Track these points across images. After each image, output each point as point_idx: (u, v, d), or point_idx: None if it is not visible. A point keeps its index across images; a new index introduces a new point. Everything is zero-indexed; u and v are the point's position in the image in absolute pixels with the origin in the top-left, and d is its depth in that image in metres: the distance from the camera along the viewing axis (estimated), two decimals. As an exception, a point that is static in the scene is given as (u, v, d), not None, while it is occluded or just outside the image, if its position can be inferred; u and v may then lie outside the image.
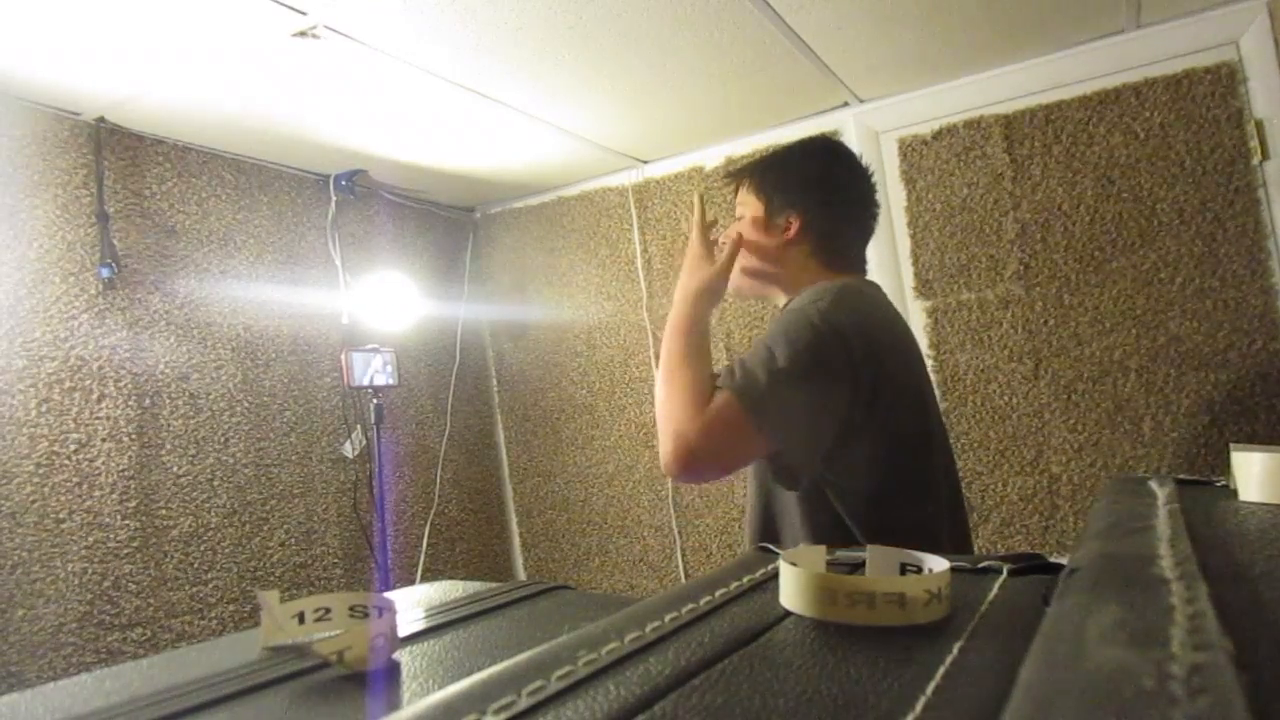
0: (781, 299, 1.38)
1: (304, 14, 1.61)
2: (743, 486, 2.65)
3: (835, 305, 1.18)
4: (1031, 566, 0.47)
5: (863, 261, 1.41)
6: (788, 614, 0.40)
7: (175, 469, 2.11)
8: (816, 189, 1.35)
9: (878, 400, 1.15)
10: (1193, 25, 2.06)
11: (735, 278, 1.36)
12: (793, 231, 1.33)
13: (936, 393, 1.41)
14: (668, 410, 1.16)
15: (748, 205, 1.38)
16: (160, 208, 2.17)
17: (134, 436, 2.03)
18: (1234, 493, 0.51)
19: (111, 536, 1.95)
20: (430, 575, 2.80)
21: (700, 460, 1.11)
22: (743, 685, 0.30)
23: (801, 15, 1.85)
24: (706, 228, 1.35)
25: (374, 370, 2.47)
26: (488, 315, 3.23)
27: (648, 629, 0.35)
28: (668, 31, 1.86)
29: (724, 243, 1.38)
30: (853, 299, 1.23)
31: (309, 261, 2.56)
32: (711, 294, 1.28)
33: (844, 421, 1.14)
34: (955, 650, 0.34)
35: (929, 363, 2.31)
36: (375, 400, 2.53)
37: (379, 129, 2.28)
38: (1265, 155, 2.02)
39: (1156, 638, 0.23)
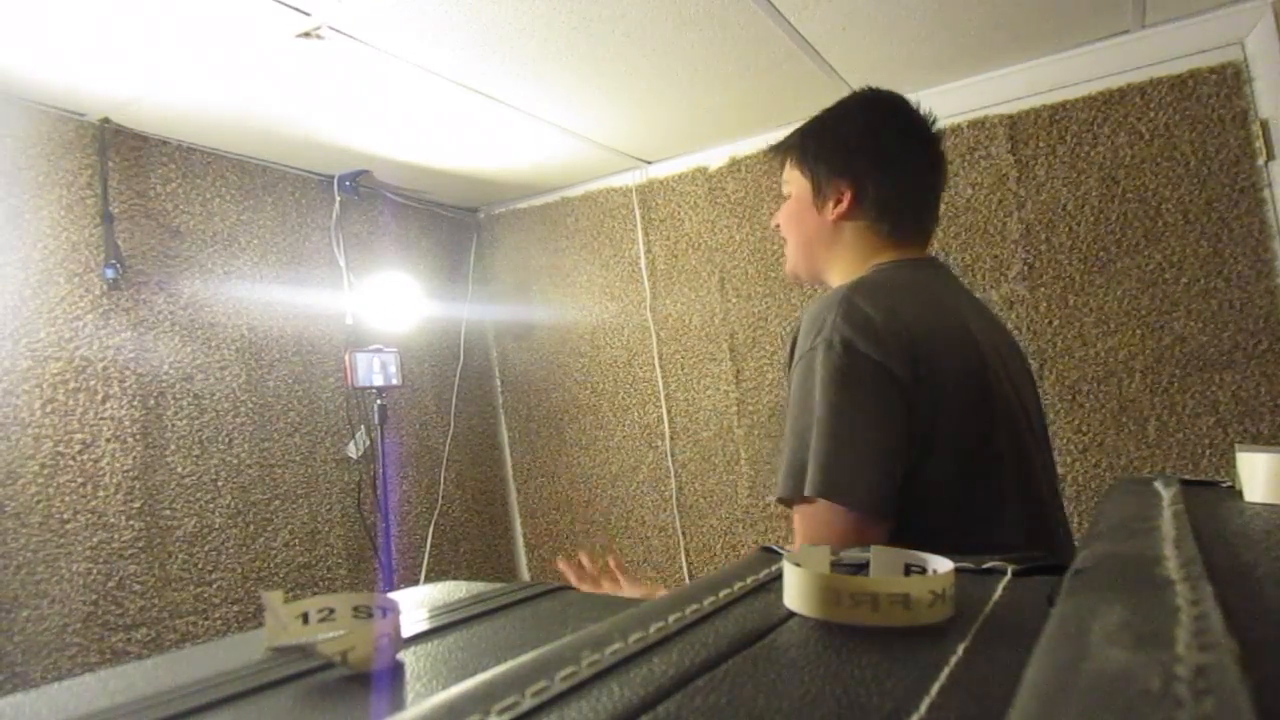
0: (834, 284, 1.22)
1: (308, 15, 1.62)
2: (747, 487, 2.65)
3: (847, 313, 1.01)
4: (1036, 567, 0.47)
5: (927, 232, 1.23)
6: (792, 615, 0.40)
7: (180, 469, 2.11)
8: (868, 151, 1.18)
9: (934, 398, 1.01)
10: (1198, 25, 2.06)
11: (792, 260, 1.25)
12: (845, 204, 1.17)
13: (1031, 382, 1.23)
14: None
15: (793, 183, 1.24)
16: (165, 208, 2.18)
17: (138, 437, 2.03)
18: (1239, 493, 0.51)
19: (116, 537, 1.96)
20: (434, 576, 2.81)
21: None
22: (746, 686, 0.30)
23: (805, 16, 1.85)
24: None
25: (378, 371, 2.47)
26: (491, 316, 3.23)
27: (651, 629, 0.35)
28: (672, 32, 1.86)
29: (775, 225, 1.28)
30: (872, 289, 1.06)
31: (313, 262, 2.56)
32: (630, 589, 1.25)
33: (910, 436, 1.00)
34: (960, 651, 0.34)
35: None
36: (379, 401, 2.53)
37: (383, 129, 2.29)
38: (1270, 155, 2.01)
39: (1161, 639, 0.23)
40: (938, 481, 1.02)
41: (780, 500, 1.04)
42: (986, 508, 1.06)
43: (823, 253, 1.22)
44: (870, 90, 1.24)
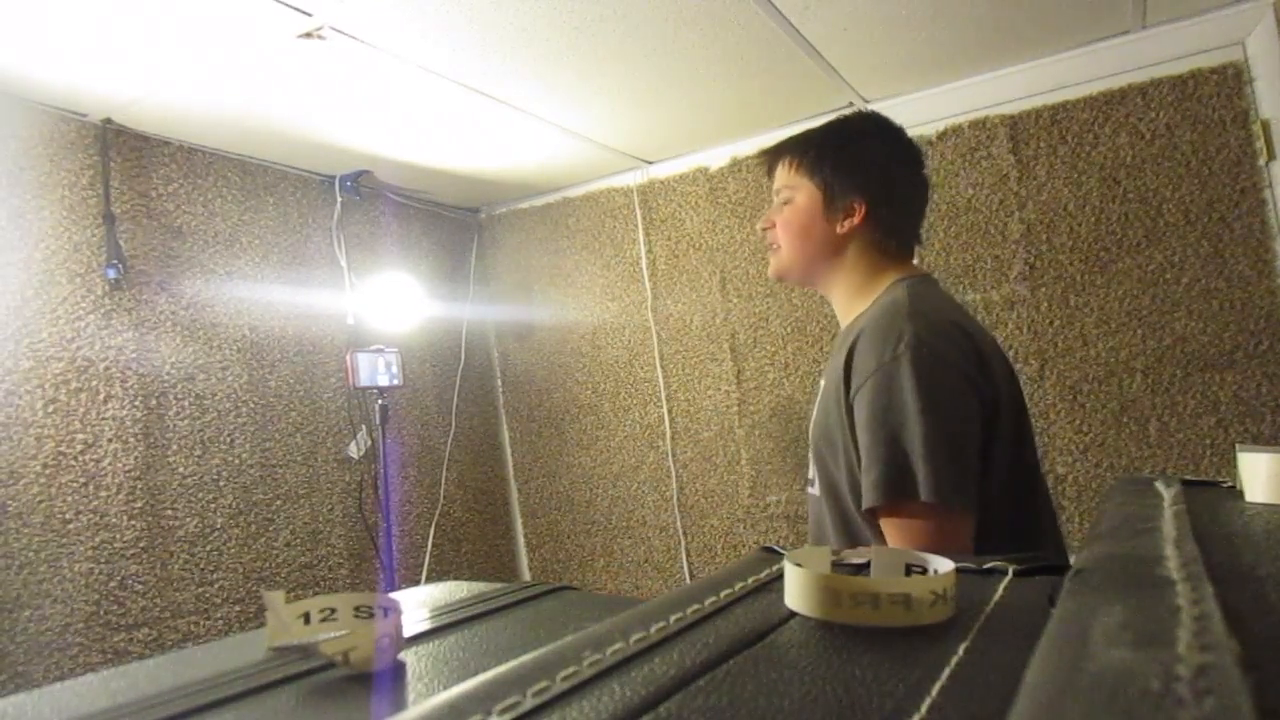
0: (835, 295, 1.29)
1: (309, 15, 1.62)
2: (748, 487, 2.65)
3: (929, 325, 1.08)
4: (1037, 567, 0.47)
5: (913, 250, 1.32)
6: (793, 615, 0.40)
7: (181, 469, 2.11)
8: (886, 171, 1.25)
9: (997, 405, 1.09)
10: (1198, 26, 2.06)
11: (786, 263, 1.29)
12: (857, 219, 1.23)
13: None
14: None
15: (799, 189, 1.27)
16: (166, 209, 2.18)
17: (140, 437, 2.03)
18: (1240, 494, 0.51)
19: (118, 537, 1.96)
20: (435, 576, 2.81)
21: None
22: (747, 686, 0.30)
23: (807, 16, 1.85)
24: None
25: (379, 371, 2.47)
26: (492, 316, 3.23)
27: (652, 630, 0.35)
28: (673, 32, 1.86)
29: (764, 228, 1.31)
30: (927, 302, 1.15)
31: (314, 262, 2.56)
32: None
33: (986, 439, 1.07)
34: (960, 651, 0.34)
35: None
36: (380, 401, 2.53)
37: (384, 130, 2.29)
38: (1271, 155, 2.01)
39: (1162, 639, 0.23)
40: (996, 486, 1.08)
41: (873, 510, 1.06)
42: (1030, 514, 1.14)
43: (825, 261, 1.26)
44: (876, 114, 1.33)
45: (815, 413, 1.26)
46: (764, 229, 1.32)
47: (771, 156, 1.32)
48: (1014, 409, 1.14)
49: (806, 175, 1.26)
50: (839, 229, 1.24)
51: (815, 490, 1.25)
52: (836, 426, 1.15)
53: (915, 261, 1.32)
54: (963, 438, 1.04)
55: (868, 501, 1.05)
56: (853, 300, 1.27)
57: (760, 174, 2.62)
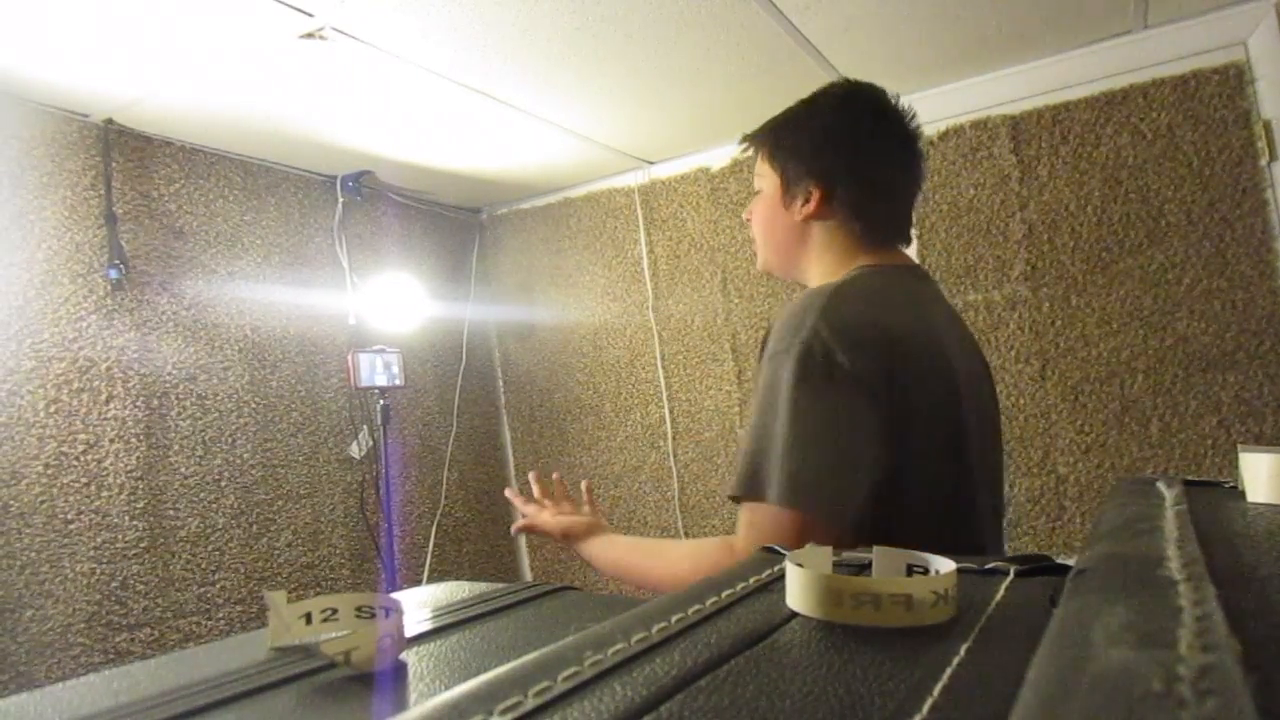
0: (808, 284, 1.19)
1: (311, 15, 1.62)
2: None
3: (829, 319, 0.98)
4: (1039, 568, 0.47)
5: (904, 233, 1.17)
6: (794, 615, 0.40)
7: (183, 470, 2.11)
8: (839, 149, 1.12)
9: (908, 407, 0.99)
10: (1200, 26, 2.06)
11: (763, 256, 1.22)
12: (813, 204, 1.12)
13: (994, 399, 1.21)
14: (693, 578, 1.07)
15: (765, 177, 1.19)
16: (168, 209, 2.18)
17: (142, 437, 2.03)
18: (1242, 494, 0.51)
19: (119, 537, 1.96)
20: (437, 576, 2.81)
21: None
22: (749, 686, 0.30)
23: (808, 16, 1.85)
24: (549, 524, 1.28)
25: (380, 371, 2.48)
26: (494, 316, 3.23)
27: (654, 630, 0.35)
28: (674, 32, 1.86)
29: (746, 220, 1.25)
30: (855, 293, 1.03)
31: (316, 263, 2.56)
32: (579, 541, 1.24)
33: (884, 449, 0.97)
34: (962, 652, 0.34)
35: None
36: (382, 401, 2.53)
37: (385, 130, 2.29)
38: (1273, 156, 2.01)
39: (1164, 639, 0.23)
40: (916, 496, 1.00)
41: (734, 498, 1.02)
42: (966, 531, 1.05)
43: (793, 251, 1.18)
44: (846, 84, 1.19)
45: None
46: (746, 221, 1.27)
47: (749, 144, 1.25)
48: (948, 424, 1.04)
49: (769, 162, 1.18)
50: (797, 217, 1.14)
51: None
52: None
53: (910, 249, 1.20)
54: (833, 444, 0.96)
55: (728, 489, 1.03)
56: None
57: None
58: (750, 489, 0.98)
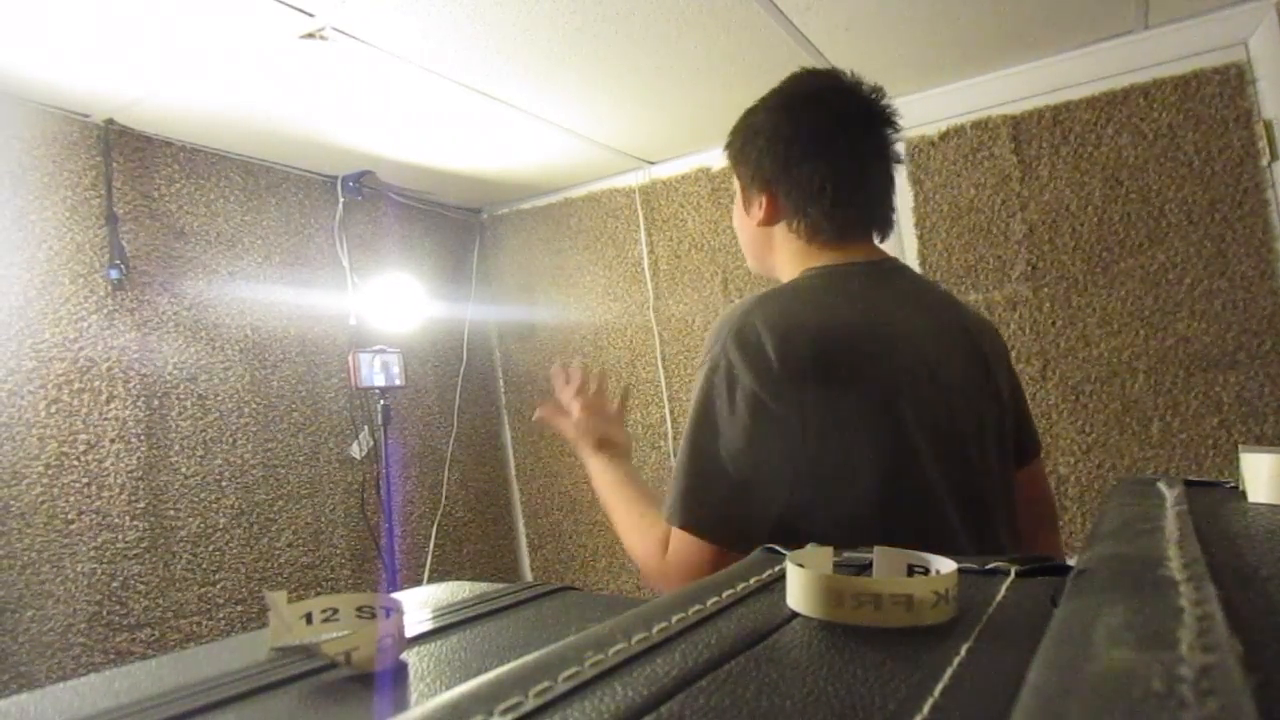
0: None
1: (311, 15, 1.62)
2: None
3: (738, 337, 0.95)
4: (1039, 568, 0.47)
5: (865, 229, 1.10)
6: (794, 615, 0.40)
7: (184, 470, 2.11)
8: (773, 151, 1.08)
9: (828, 419, 0.94)
10: (1201, 26, 2.06)
11: (748, 260, 1.22)
12: (764, 209, 1.10)
13: (957, 396, 1.11)
14: (632, 550, 1.08)
15: (736, 183, 1.19)
16: (169, 209, 2.18)
17: (142, 437, 2.04)
18: (1243, 494, 0.51)
19: (120, 537, 1.96)
20: (437, 576, 2.81)
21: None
22: (749, 687, 0.30)
23: (808, 16, 1.85)
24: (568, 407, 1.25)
25: (381, 371, 2.48)
26: (494, 316, 3.23)
27: (654, 630, 0.35)
28: (674, 32, 1.86)
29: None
30: (779, 305, 0.99)
31: (316, 263, 2.56)
32: (589, 449, 1.22)
33: (795, 465, 0.93)
34: (962, 652, 0.34)
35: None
36: (382, 401, 2.53)
37: (386, 130, 2.29)
38: (1274, 156, 2.01)
39: (1165, 639, 0.23)
40: (853, 512, 0.95)
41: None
42: (925, 536, 0.97)
43: (764, 255, 1.17)
44: (793, 75, 1.15)
45: None
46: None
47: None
48: (884, 432, 0.96)
49: (734, 168, 1.17)
50: (756, 222, 1.13)
51: None
52: None
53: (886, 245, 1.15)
54: (727, 463, 0.94)
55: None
56: None
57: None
58: (666, 507, 0.99)
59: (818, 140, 1.08)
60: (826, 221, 1.07)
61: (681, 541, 0.97)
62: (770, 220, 1.11)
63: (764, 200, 1.10)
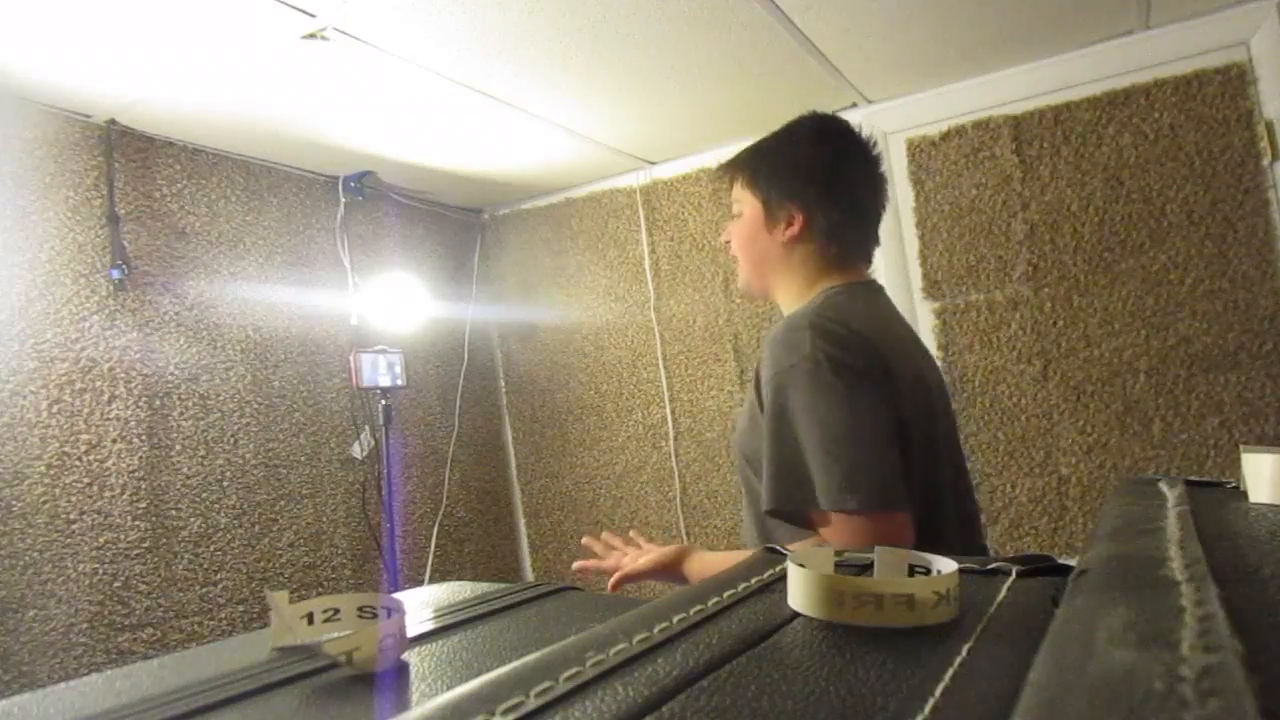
0: (786, 304, 1.29)
1: (313, 16, 1.62)
2: (750, 488, 2.64)
3: (824, 333, 1.07)
4: (1040, 568, 0.47)
5: (869, 254, 1.29)
6: (796, 615, 0.40)
7: (185, 470, 2.11)
8: (818, 179, 1.22)
9: (900, 399, 1.09)
10: (1202, 26, 2.06)
11: (744, 278, 1.31)
12: (795, 229, 1.22)
13: (949, 394, 1.32)
14: None
15: (745, 203, 1.28)
16: (170, 209, 2.18)
17: (144, 437, 2.04)
18: (1244, 494, 0.51)
19: (122, 537, 1.96)
20: (438, 576, 2.81)
21: None
22: (750, 687, 0.30)
23: (810, 16, 1.85)
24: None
25: (382, 371, 2.48)
26: (496, 316, 3.23)
27: (655, 630, 0.35)
28: (676, 33, 1.86)
29: (725, 242, 1.34)
30: (836, 311, 1.14)
31: (318, 263, 2.57)
32: (679, 569, 1.23)
33: (898, 428, 1.08)
34: (964, 652, 0.34)
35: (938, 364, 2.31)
36: (383, 401, 2.53)
37: (387, 131, 2.29)
38: (1275, 156, 2.01)
39: (1166, 640, 0.23)
40: (925, 479, 1.10)
41: (775, 512, 1.07)
42: (932, 530, 1.11)
43: (773, 272, 1.27)
44: (817, 115, 1.30)
45: (740, 419, 1.27)
46: (725, 243, 1.35)
47: (726, 172, 1.33)
48: (924, 426, 1.13)
49: (750, 188, 1.27)
50: (780, 239, 1.24)
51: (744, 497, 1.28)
52: (751, 435, 1.17)
53: (875, 266, 1.32)
54: (874, 435, 1.05)
55: (770, 503, 1.07)
56: (792, 309, 1.27)
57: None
58: (802, 500, 1.04)
59: (853, 173, 1.24)
60: (852, 247, 1.25)
61: (860, 523, 1.02)
62: (797, 239, 1.23)
63: (798, 219, 1.22)
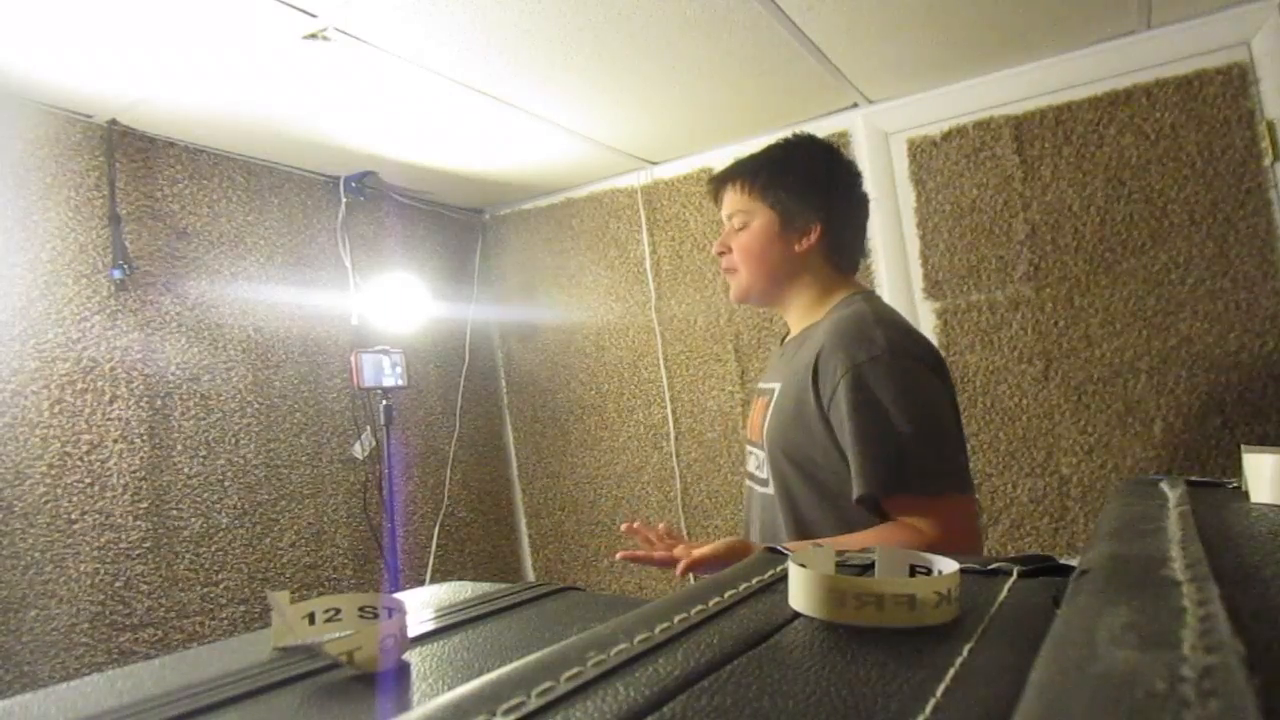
0: (791, 312, 1.34)
1: (314, 16, 1.62)
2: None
3: (892, 329, 1.18)
4: (1042, 568, 0.47)
5: (859, 265, 1.40)
6: (797, 615, 0.40)
7: (186, 470, 2.12)
8: (834, 192, 1.31)
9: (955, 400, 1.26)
10: (1204, 26, 2.05)
11: (746, 286, 1.33)
12: (814, 238, 1.28)
13: None
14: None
15: (753, 213, 1.31)
16: (172, 210, 2.18)
17: (145, 437, 2.04)
18: (1245, 494, 0.51)
19: (123, 537, 1.96)
20: (439, 576, 2.81)
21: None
22: (751, 687, 0.30)
23: (810, 16, 1.85)
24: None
25: (383, 371, 2.48)
26: (497, 316, 3.23)
27: (657, 630, 0.35)
28: (677, 33, 1.86)
29: (719, 253, 1.37)
30: (890, 313, 1.25)
31: (319, 263, 2.57)
32: (733, 546, 1.21)
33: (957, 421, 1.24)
34: (965, 652, 0.34)
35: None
36: (385, 401, 2.53)
37: (388, 131, 2.29)
38: (1276, 156, 2.00)
39: (1168, 640, 0.23)
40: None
41: (865, 498, 1.11)
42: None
43: (787, 281, 1.32)
44: (812, 135, 1.38)
45: (769, 417, 1.27)
46: (719, 254, 1.37)
47: (719, 182, 1.36)
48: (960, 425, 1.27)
49: (760, 199, 1.31)
50: (796, 249, 1.29)
51: (769, 490, 1.28)
52: (797, 431, 1.19)
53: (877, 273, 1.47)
54: (946, 426, 1.17)
55: (858, 490, 1.11)
56: (806, 314, 1.33)
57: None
58: (896, 487, 1.10)
59: (858, 193, 1.35)
60: (852, 256, 1.35)
61: (957, 505, 1.13)
62: (812, 249, 1.29)
63: (817, 229, 1.28)
